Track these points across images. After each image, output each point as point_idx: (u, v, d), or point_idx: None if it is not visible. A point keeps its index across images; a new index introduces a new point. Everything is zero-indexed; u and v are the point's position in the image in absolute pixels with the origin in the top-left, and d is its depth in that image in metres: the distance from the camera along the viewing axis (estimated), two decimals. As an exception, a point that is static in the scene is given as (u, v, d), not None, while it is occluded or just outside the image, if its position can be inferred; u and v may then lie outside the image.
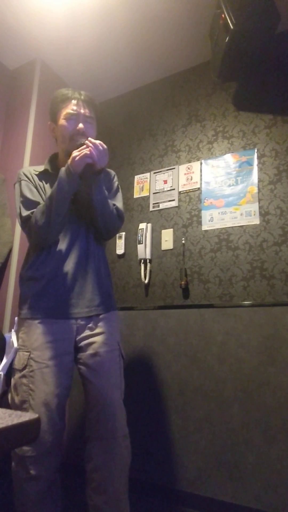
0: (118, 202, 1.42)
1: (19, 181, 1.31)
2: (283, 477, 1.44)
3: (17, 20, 1.95)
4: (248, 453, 1.52)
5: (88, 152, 1.18)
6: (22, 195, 1.28)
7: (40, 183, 1.33)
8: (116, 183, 1.47)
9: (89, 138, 1.21)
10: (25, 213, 1.25)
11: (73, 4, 1.85)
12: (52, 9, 1.88)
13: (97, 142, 1.21)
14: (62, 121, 1.31)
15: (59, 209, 1.19)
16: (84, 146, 1.20)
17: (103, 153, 1.22)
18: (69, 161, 1.20)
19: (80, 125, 1.29)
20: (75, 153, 1.20)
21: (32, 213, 1.24)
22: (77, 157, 1.18)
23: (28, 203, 1.26)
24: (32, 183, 1.31)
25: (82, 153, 1.18)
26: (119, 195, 1.46)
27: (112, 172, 1.49)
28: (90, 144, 1.19)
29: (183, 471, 1.65)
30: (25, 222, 1.25)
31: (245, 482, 1.51)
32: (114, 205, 1.37)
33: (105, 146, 1.22)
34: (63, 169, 1.21)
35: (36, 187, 1.31)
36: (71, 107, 1.31)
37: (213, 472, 1.58)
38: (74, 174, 1.19)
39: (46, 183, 1.33)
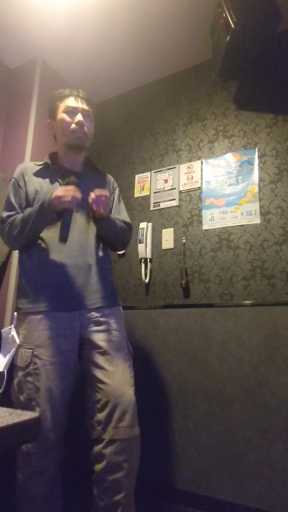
0: (123, 214, 1.44)
1: (11, 178, 1.34)
2: (283, 476, 1.44)
3: (18, 19, 1.94)
4: (248, 452, 1.53)
5: (70, 200, 1.15)
6: (7, 194, 1.32)
7: (37, 179, 1.32)
8: (117, 194, 1.47)
9: (90, 194, 1.22)
10: (4, 214, 1.28)
11: (74, 3, 1.84)
12: (53, 8, 1.88)
13: (97, 192, 1.22)
14: (61, 115, 1.33)
15: (33, 229, 1.21)
16: (71, 187, 1.17)
17: (106, 201, 1.24)
18: (53, 195, 1.16)
19: (80, 117, 1.31)
20: (60, 191, 1.16)
21: (8, 217, 1.26)
22: (61, 198, 1.15)
23: (9, 205, 1.30)
24: (21, 182, 1.31)
25: (66, 198, 1.15)
26: (122, 205, 1.47)
27: (111, 179, 1.49)
28: (72, 194, 1.15)
29: (183, 470, 1.65)
30: (1, 223, 1.28)
31: (245, 481, 1.51)
32: (122, 221, 1.40)
33: (107, 195, 1.24)
34: (47, 198, 1.18)
35: (25, 185, 1.30)
36: (70, 102, 1.33)
37: (213, 471, 1.58)
38: (53, 210, 1.17)
39: (44, 178, 1.33)
